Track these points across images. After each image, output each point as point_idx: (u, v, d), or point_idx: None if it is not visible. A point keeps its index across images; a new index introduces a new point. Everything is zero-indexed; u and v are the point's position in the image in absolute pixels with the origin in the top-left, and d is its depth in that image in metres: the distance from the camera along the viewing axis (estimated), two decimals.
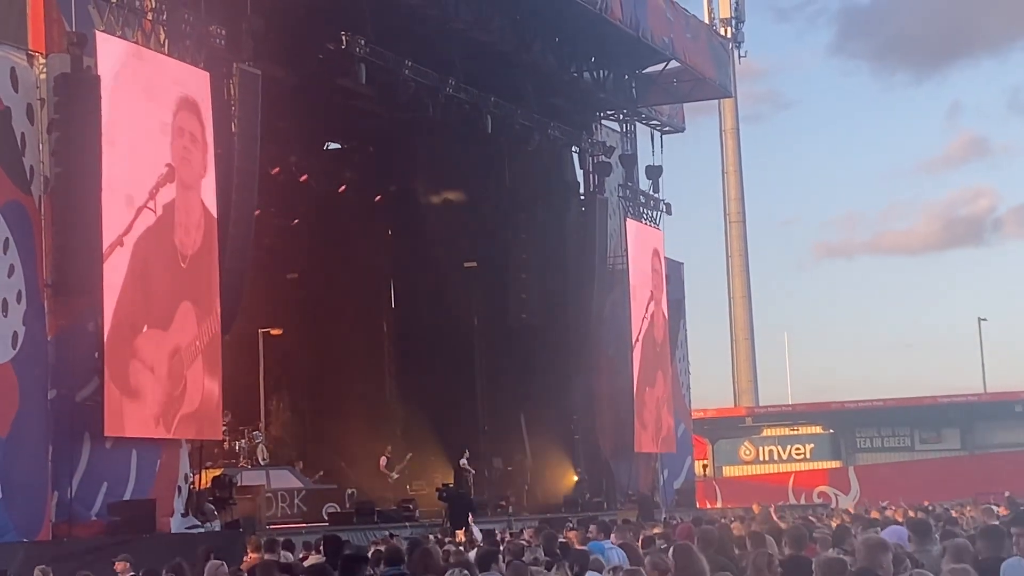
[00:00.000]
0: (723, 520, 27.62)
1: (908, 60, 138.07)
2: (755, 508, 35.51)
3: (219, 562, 16.41)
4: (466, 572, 12.31)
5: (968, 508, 31.95)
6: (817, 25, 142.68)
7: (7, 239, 23.90)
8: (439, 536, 25.70)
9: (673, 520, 31.92)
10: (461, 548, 20.11)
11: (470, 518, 29.41)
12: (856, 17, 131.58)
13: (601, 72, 43.35)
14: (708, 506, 56.64)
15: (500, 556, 15.72)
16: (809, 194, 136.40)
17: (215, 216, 27.98)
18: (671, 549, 12.53)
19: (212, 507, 28.62)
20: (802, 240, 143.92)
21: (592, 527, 21.45)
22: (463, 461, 38.96)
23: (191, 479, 27.93)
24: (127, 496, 25.56)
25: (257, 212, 30.17)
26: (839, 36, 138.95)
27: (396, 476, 39.56)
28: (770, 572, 11.26)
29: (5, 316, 23.69)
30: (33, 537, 23.44)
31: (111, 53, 25.50)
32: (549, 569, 14.85)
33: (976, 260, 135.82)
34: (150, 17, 26.94)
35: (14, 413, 23.58)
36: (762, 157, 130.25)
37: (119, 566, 19.10)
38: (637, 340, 44.71)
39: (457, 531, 27.44)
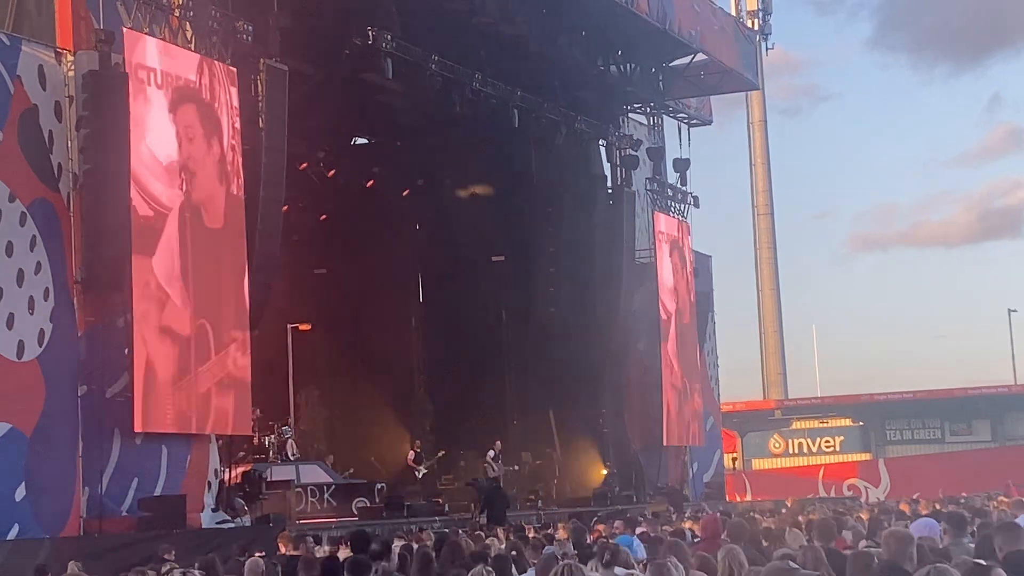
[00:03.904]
0: (752, 514, 27.59)
1: (948, 52, 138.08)
2: (788, 502, 35.48)
3: (257, 559, 16.42)
4: (490, 570, 12.25)
5: (999, 499, 31.82)
6: (858, 18, 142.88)
7: (34, 236, 23.99)
8: (471, 530, 25.54)
9: (700, 513, 31.85)
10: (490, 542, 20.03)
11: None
12: (896, 9, 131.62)
13: (628, 65, 43.28)
14: (738, 499, 56.55)
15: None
16: (846, 186, 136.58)
17: (242, 211, 28.06)
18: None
19: (242, 502, 28.69)
20: (838, 232, 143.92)
21: (618, 522, 21.38)
22: (491, 454, 38.83)
23: (221, 474, 28.00)
24: (157, 491, 25.66)
25: (285, 208, 30.22)
26: (879, 29, 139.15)
27: (425, 471, 39.58)
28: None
29: (32, 313, 23.78)
30: (58, 533, 23.51)
31: (138, 50, 25.58)
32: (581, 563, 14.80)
33: (1011, 251, 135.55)
34: (177, 13, 27.00)
35: (40, 410, 23.68)
36: (800, 150, 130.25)
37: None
38: (665, 333, 44.65)
39: (498, 527, 27.06)
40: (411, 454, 39.85)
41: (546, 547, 16.46)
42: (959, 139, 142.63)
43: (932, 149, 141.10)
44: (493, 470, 38.32)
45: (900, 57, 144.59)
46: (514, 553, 14.79)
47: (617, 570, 12.35)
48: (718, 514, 19.69)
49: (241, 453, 32.58)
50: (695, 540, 16.75)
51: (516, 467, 40.73)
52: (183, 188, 26.60)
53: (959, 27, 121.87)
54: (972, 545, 12.29)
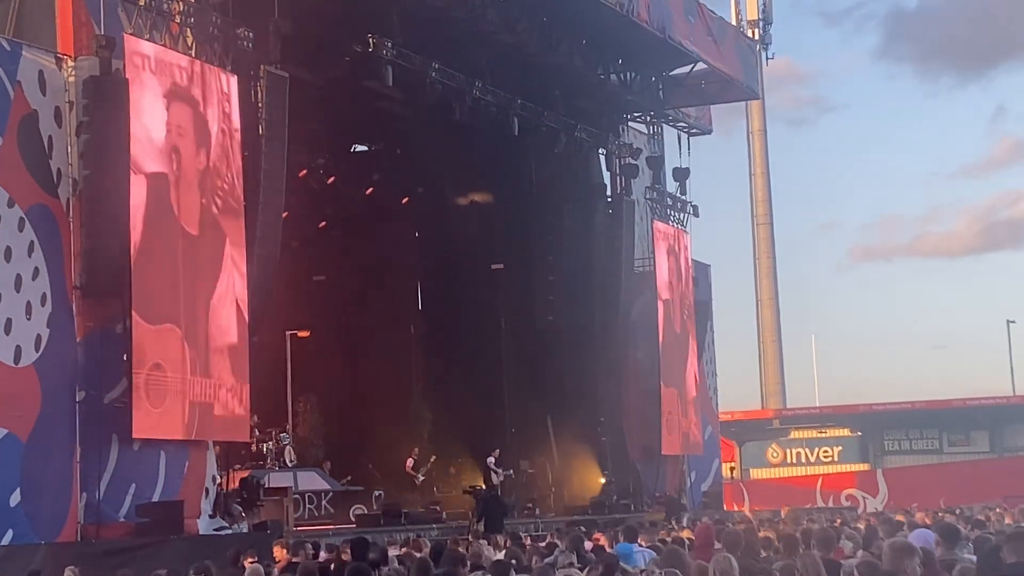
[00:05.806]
0: (743, 522, 27.52)
1: (953, 64, 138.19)
2: (783, 511, 35.43)
3: (258, 566, 16.39)
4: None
5: (997, 510, 31.78)
6: (865, 29, 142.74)
7: (32, 242, 23.98)
8: (471, 539, 25.50)
9: (697, 522, 31.78)
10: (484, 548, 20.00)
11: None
12: (903, 21, 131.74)
13: (628, 74, 43.25)
14: (736, 508, 56.48)
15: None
16: (851, 197, 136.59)
17: (242, 218, 28.05)
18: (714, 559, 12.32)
19: (239, 509, 28.64)
20: (842, 242, 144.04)
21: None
22: (491, 460, 38.84)
23: (219, 481, 27.96)
24: (155, 498, 25.61)
25: (285, 215, 30.19)
26: (885, 40, 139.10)
27: (422, 478, 39.54)
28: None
29: (29, 319, 23.76)
30: (55, 539, 23.45)
31: (139, 56, 25.56)
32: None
33: (1012, 263, 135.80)
34: (178, 20, 26.98)
35: (36, 416, 23.64)
36: (806, 160, 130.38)
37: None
38: (664, 342, 44.63)
39: (494, 535, 26.99)
40: (409, 461, 39.80)
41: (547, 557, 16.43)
42: (964, 151, 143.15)
43: (936, 161, 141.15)
44: (497, 475, 38.38)
45: (906, 68, 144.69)
46: (514, 561, 14.77)
47: None
48: (711, 522, 19.62)
49: (239, 462, 32.55)
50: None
51: (512, 472, 40.57)
52: (182, 202, 26.58)
53: (965, 39, 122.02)
54: (968, 555, 12.26)
